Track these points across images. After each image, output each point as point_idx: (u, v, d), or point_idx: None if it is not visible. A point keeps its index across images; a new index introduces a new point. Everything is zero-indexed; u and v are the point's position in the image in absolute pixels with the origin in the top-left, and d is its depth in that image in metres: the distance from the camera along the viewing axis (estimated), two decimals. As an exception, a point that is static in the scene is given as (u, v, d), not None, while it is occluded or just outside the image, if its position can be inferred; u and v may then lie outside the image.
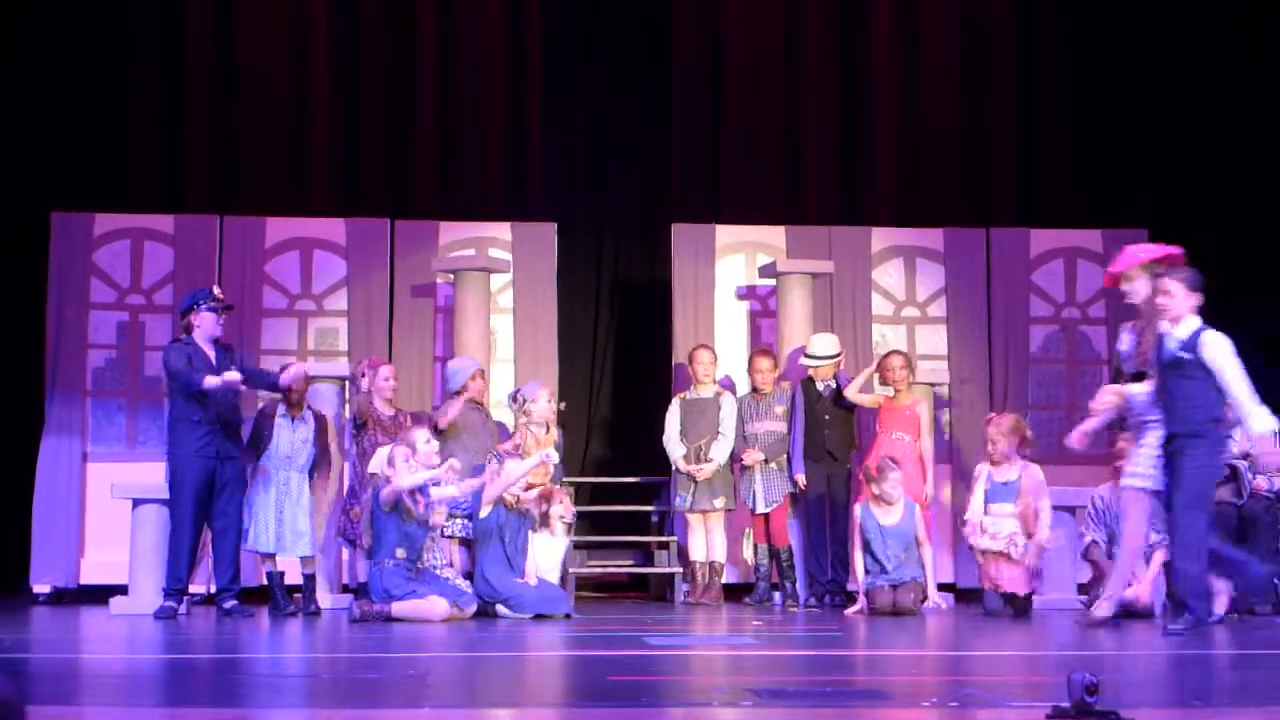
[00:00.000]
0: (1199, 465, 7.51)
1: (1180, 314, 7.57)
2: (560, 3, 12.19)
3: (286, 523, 9.37)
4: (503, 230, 11.52)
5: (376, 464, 9.04)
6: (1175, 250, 8.06)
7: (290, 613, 9.22)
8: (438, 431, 9.70)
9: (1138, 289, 8.04)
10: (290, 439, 9.47)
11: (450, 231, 11.47)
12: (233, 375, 8.98)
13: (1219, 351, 7.49)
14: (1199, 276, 7.67)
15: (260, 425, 9.46)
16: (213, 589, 9.44)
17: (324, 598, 9.68)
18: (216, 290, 9.28)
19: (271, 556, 9.45)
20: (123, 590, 9.65)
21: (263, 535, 9.36)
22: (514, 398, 10.06)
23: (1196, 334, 7.55)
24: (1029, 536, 9.30)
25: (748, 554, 10.66)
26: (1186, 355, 7.52)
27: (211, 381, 8.94)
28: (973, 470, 9.78)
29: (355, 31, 12.01)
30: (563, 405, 10.25)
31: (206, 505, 9.15)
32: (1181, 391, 7.53)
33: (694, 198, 12.09)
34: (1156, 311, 7.66)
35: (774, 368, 10.46)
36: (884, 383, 10.53)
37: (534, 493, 9.40)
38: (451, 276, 11.04)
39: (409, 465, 8.87)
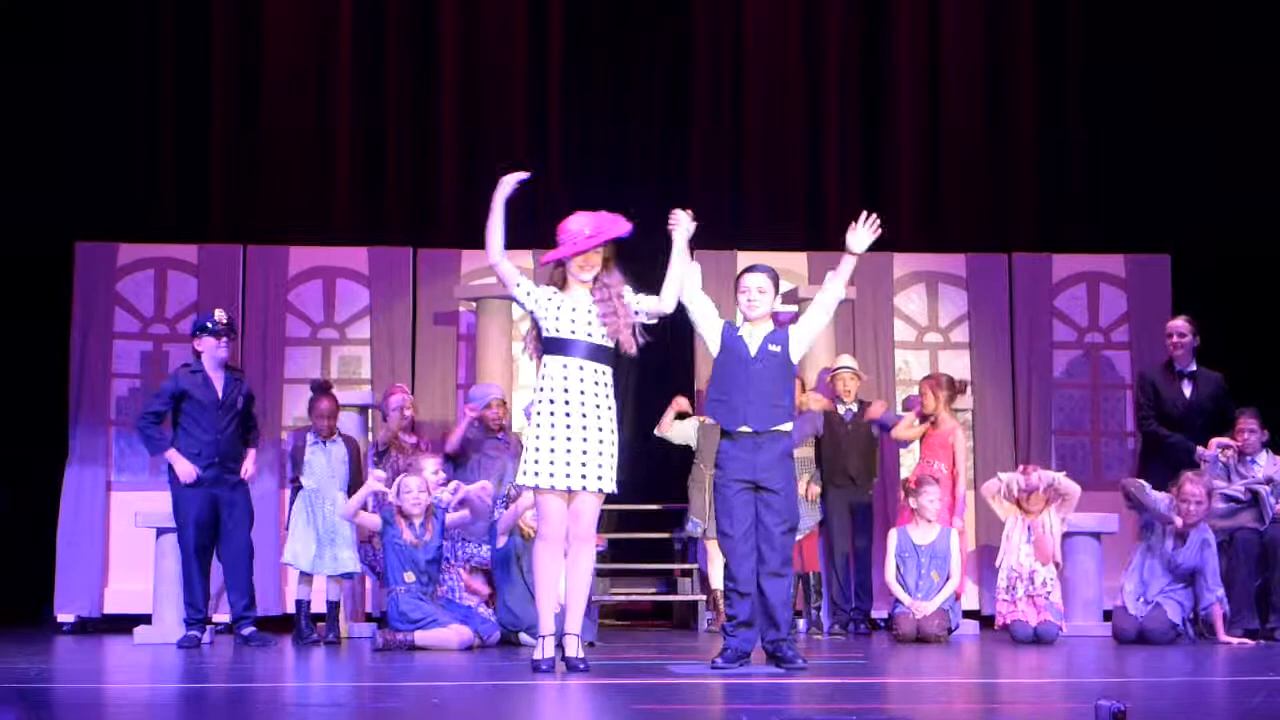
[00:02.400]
0: (792, 473, 7.28)
1: (769, 311, 7.32)
2: (582, 38, 12.24)
3: (326, 544, 9.40)
4: (524, 258, 11.50)
5: (390, 495, 9.10)
6: (627, 224, 7.27)
7: (312, 641, 9.23)
8: (449, 458, 9.75)
9: (595, 265, 7.17)
10: (327, 461, 9.52)
11: (472, 259, 11.49)
12: (187, 469, 9.02)
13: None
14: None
15: (296, 454, 9.51)
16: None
17: (346, 626, 9.68)
18: (219, 314, 9.27)
19: (308, 577, 9.47)
20: (146, 619, 9.67)
21: (301, 553, 9.39)
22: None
23: (785, 330, 7.36)
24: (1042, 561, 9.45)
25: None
26: (778, 349, 7.24)
27: (172, 455, 9.06)
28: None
29: (378, 61, 12.07)
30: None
31: (212, 534, 9.16)
32: (772, 388, 7.20)
33: (716, 224, 12.08)
34: (747, 307, 7.25)
35: (801, 390, 10.42)
36: (908, 408, 10.53)
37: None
38: (474, 304, 11.06)
39: (409, 495, 8.92)
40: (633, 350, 7.10)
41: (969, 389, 11.31)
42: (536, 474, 6.95)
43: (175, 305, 11.19)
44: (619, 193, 11.99)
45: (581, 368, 7.00)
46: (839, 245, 11.75)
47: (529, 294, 7.15)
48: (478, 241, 11.63)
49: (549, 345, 7.06)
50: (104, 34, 11.65)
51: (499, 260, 7.29)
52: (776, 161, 12.29)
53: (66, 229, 11.25)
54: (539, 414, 7.01)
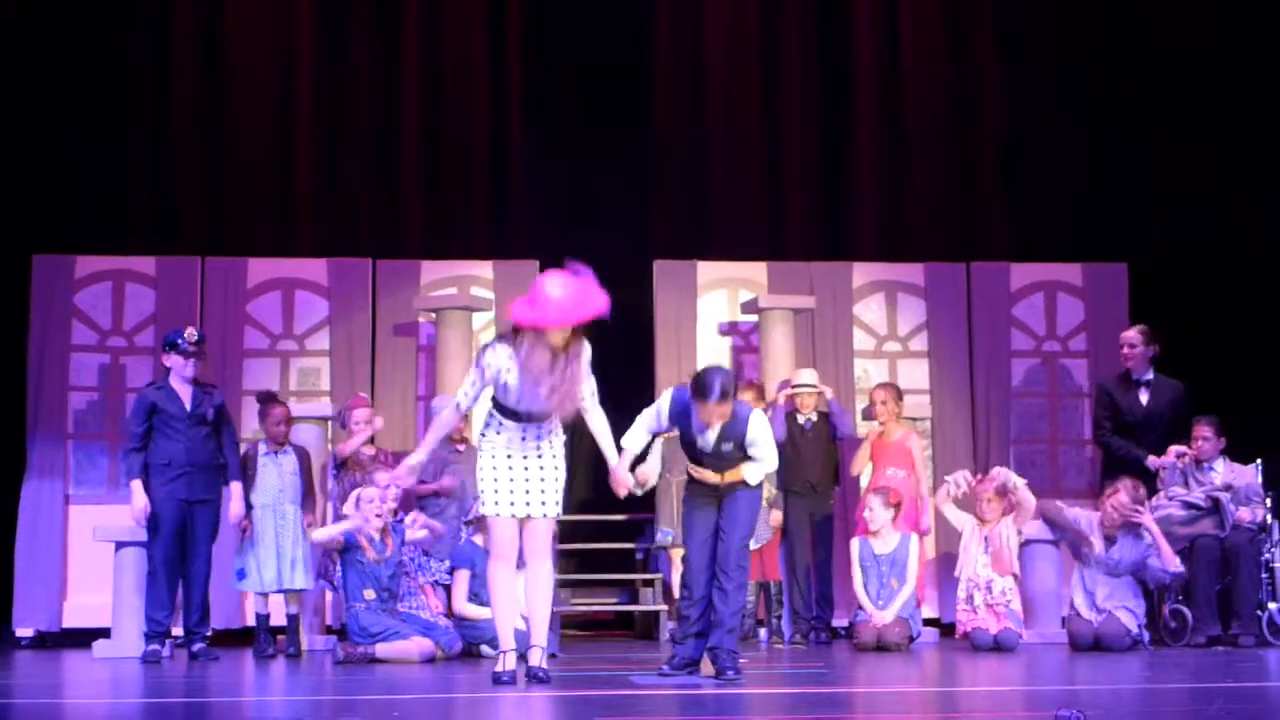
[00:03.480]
0: (754, 504, 7.42)
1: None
2: (543, 45, 12.24)
3: (285, 556, 9.37)
4: (484, 269, 11.53)
5: (348, 506, 9.08)
6: (604, 299, 7.19)
7: (270, 655, 9.20)
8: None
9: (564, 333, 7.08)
10: (279, 473, 9.49)
11: (432, 270, 11.49)
12: (139, 506, 8.99)
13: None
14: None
15: (245, 466, 9.47)
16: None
17: (306, 639, 9.64)
18: (189, 332, 9.22)
19: (265, 595, 9.43)
20: (106, 633, 9.61)
21: (254, 577, 9.36)
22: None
23: (744, 425, 7.29)
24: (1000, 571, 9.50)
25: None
26: (730, 446, 7.30)
27: (134, 487, 9.04)
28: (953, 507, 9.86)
29: (340, 73, 12.02)
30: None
31: (181, 546, 9.12)
32: (731, 463, 7.36)
33: (678, 234, 12.12)
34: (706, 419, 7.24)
35: (759, 400, 10.42)
36: (868, 417, 10.56)
37: None
38: (434, 315, 11.05)
39: (364, 509, 8.91)
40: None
41: (929, 398, 11.38)
42: (496, 502, 7.03)
43: (134, 317, 11.12)
44: (580, 203, 12.10)
45: (538, 425, 7.06)
46: (799, 255, 11.95)
47: (477, 389, 7.05)
48: (438, 252, 11.77)
49: (499, 405, 7.07)
50: (67, 50, 11.54)
51: (450, 423, 7.35)
52: (737, 171, 12.30)
53: (24, 240, 11.17)
54: (491, 445, 7.07)
